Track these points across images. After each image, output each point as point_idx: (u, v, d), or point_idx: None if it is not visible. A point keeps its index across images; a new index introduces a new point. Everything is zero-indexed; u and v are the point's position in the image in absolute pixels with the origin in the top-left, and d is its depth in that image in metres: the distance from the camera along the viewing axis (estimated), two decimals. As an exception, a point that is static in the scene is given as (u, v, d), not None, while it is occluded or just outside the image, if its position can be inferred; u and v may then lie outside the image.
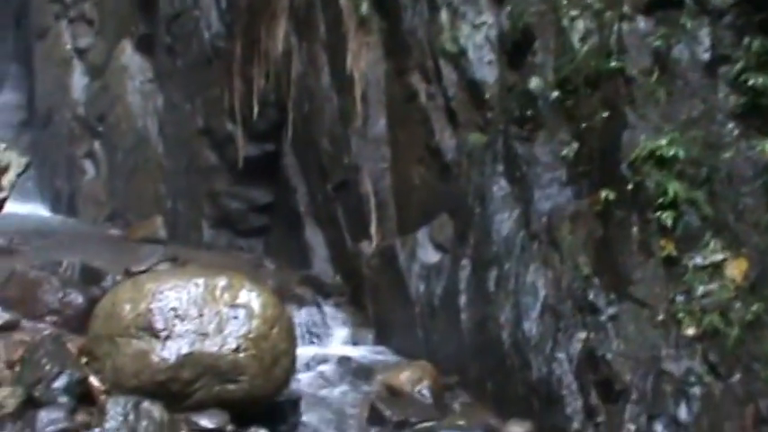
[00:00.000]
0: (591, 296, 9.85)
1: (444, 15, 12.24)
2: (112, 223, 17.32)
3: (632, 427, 9.17)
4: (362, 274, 13.03)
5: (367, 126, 13.24)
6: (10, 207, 13.50)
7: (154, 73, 17.58)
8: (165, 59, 17.03)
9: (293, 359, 9.95)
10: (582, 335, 9.84)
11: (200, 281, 9.70)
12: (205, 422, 9.35)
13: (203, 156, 15.90)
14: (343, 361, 11.62)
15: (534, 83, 11.02)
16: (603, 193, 9.92)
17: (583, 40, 10.56)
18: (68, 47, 19.31)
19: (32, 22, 20.30)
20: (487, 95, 11.65)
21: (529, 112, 10.99)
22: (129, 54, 18.02)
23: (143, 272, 11.88)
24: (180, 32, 16.50)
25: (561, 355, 9.95)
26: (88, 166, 18.61)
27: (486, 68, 11.78)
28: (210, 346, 9.43)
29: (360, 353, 12.19)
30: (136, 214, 17.04)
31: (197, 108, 16.05)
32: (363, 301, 12.98)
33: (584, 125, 10.39)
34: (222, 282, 9.71)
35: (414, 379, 10.98)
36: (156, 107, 17.25)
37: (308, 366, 11.32)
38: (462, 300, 11.37)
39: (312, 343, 12.27)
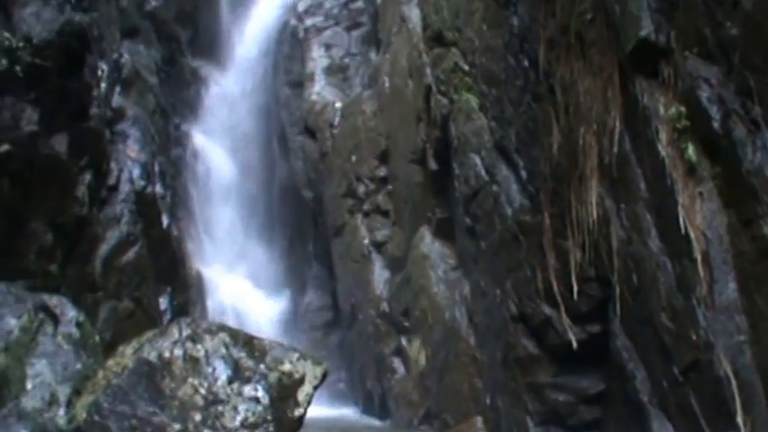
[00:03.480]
0: None
1: (800, 144, 9.45)
2: (428, 425, 15.21)
3: None
4: (737, 476, 9.85)
5: (714, 293, 10.25)
6: (320, 411, 12.42)
7: (457, 259, 15.34)
8: (467, 243, 14.76)
9: None
10: None
11: None
12: None
13: (520, 344, 13.23)
14: None
15: None
16: None
17: None
18: (366, 241, 17.65)
19: (328, 219, 18.86)
20: None
21: None
22: (428, 242, 16.02)
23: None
24: (479, 212, 14.30)
25: None
26: (397, 364, 16.57)
27: None
28: None
29: None
30: (452, 414, 14.65)
31: (507, 292, 13.51)
32: None
33: None
34: None
35: None
36: (463, 295, 14.90)
37: None
38: None
39: None
